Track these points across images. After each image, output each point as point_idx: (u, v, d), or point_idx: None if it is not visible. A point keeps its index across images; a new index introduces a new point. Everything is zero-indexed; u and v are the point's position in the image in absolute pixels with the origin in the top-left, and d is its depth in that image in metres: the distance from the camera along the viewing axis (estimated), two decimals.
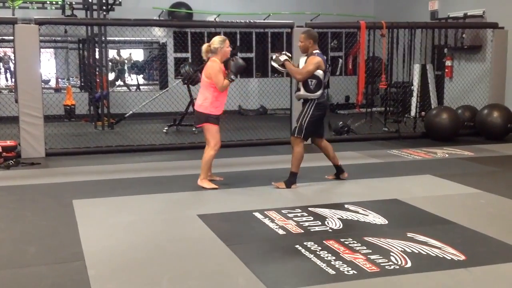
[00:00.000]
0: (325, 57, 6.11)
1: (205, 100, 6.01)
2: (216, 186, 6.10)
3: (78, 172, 7.10)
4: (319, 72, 5.91)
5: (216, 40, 6.03)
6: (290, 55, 6.21)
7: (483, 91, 10.41)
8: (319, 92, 5.98)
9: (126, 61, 15.98)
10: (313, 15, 13.75)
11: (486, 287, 3.50)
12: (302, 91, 6.02)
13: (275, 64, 6.14)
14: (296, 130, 6.07)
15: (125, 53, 16.03)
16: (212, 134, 6.06)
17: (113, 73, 15.48)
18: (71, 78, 14.66)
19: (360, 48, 9.52)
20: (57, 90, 14.13)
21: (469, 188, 6.02)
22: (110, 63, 15.67)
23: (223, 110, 6.15)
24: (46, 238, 4.50)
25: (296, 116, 8.98)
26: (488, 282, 3.57)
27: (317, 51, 6.02)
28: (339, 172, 6.44)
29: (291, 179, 6.07)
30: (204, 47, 6.08)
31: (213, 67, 5.95)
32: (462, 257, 3.95)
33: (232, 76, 5.94)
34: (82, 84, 13.98)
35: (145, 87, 15.77)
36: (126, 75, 16.17)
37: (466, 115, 9.94)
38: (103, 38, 11.21)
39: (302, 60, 6.07)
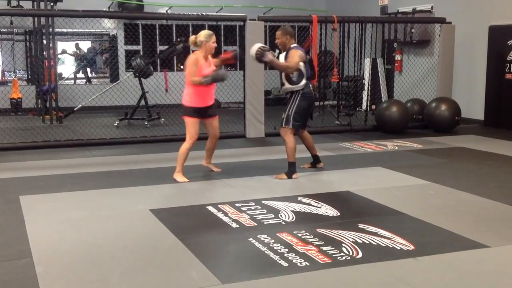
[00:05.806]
0: (303, 49, 6.26)
1: (186, 92, 6.03)
2: (187, 180, 6.04)
3: (25, 167, 6.90)
4: (300, 64, 6.05)
5: (202, 34, 6.02)
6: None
7: (431, 85, 10.66)
8: (302, 83, 6.12)
9: (84, 54, 15.61)
10: (265, 9, 13.77)
11: (434, 276, 3.58)
12: (287, 85, 6.16)
13: (252, 54, 6.02)
14: (283, 121, 6.20)
15: (85, 45, 15.70)
16: (187, 127, 6.07)
17: (74, 67, 15.18)
18: (17, 71, 14.22)
19: (312, 42, 9.58)
20: (3, 83, 13.68)
21: (418, 180, 6.16)
22: (72, 56, 15.38)
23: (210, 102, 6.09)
24: None
25: (251, 110, 9.11)
26: (436, 271, 3.66)
27: (295, 44, 6.18)
28: (315, 162, 6.66)
29: (291, 169, 6.20)
30: (191, 38, 6.07)
31: (190, 58, 5.98)
32: (411, 247, 4.04)
33: (204, 80, 5.88)
34: (29, 76, 13.57)
35: (95, 80, 15.45)
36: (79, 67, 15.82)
37: (415, 108, 10.17)
38: (51, 29, 10.90)
39: (282, 56, 6.17)
